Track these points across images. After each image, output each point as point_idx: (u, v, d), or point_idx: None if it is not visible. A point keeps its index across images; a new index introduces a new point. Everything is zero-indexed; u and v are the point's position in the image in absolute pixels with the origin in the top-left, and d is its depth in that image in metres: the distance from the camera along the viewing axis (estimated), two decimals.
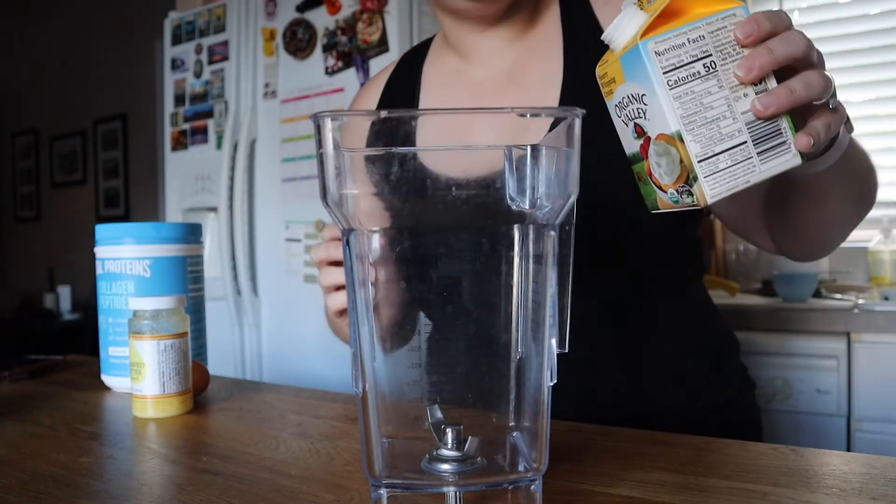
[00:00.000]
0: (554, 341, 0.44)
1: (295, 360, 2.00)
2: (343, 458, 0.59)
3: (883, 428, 1.47)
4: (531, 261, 0.42)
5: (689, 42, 0.46)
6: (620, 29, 0.49)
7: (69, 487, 0.53)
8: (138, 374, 0.76)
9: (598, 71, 0.52)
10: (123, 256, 0.89)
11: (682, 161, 0.47)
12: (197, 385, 0.82)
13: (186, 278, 0.92)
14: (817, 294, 1.71)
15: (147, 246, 0.89)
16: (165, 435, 0.69)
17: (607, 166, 0.66)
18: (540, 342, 0.43)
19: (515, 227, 0.42)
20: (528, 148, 0.40)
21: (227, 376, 1.06)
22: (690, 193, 0.47)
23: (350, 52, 1.86)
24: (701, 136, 0.46)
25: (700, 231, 0.89)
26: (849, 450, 1.50)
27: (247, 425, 0.72)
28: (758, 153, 0.47)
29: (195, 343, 0.93)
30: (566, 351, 0.45)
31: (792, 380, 1.54)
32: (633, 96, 0.49)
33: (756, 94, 0.47)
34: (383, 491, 0.43)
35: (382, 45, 1.79)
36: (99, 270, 0.92)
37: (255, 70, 2.08)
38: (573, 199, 0.43)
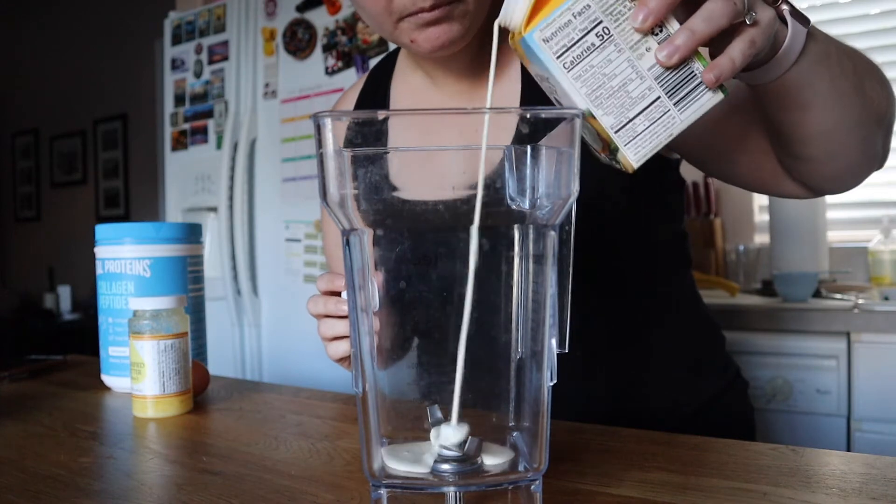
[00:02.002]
0: (554, 341, 0.44)
1: (295, 360, 2.00)
2: (343, 458, 0.59)
3: (883, 428, 1.47)
4: (531, 261, 0.42)
5: (574, 17, 0.45)
6: (510, 12, 0.47)
7: (69, 487, 0.53)
8: (138, 374, 0.76)
9: (511, 44, 0.50)
10: (123, 256, 0.89)
11: (600, 135, 0.46)
12: (197, 385, 0.82)
13: (186, 278, 0.92)
14: (817, 294, 1.71)
15: (147, 246, 0.89)
16: (165, 435, 0.69)
17: (588, 166, 0.65)
18: (540, 342, 0.43)
19: (515, 227, 0.42)
20: (528, 148, 0.40)
21: (227, 376, 1.06)
22: (617, 161, 0.47)
23: (350, 52, 1.86)
24: (611, 107, 0.45)
25: (686, 226, 0.88)
26: (849, 450, 1.50)
27: (247, 425, 0.72)
28: (674, 104, 0.45)
29: (195, 343, 0.93)
30: (566, 351, 0.45)
31: (792, 380, 1.54)
32: (540, 76, 0.48)
33: (659, 43, 0.45)
34: (383, 491, 0.43)
35: (382, 45, 1.79)
36: (99, 270, 0.92)
37: (255, 70, 2.08)
38: (573, 199, 0.43)
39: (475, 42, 0.77)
